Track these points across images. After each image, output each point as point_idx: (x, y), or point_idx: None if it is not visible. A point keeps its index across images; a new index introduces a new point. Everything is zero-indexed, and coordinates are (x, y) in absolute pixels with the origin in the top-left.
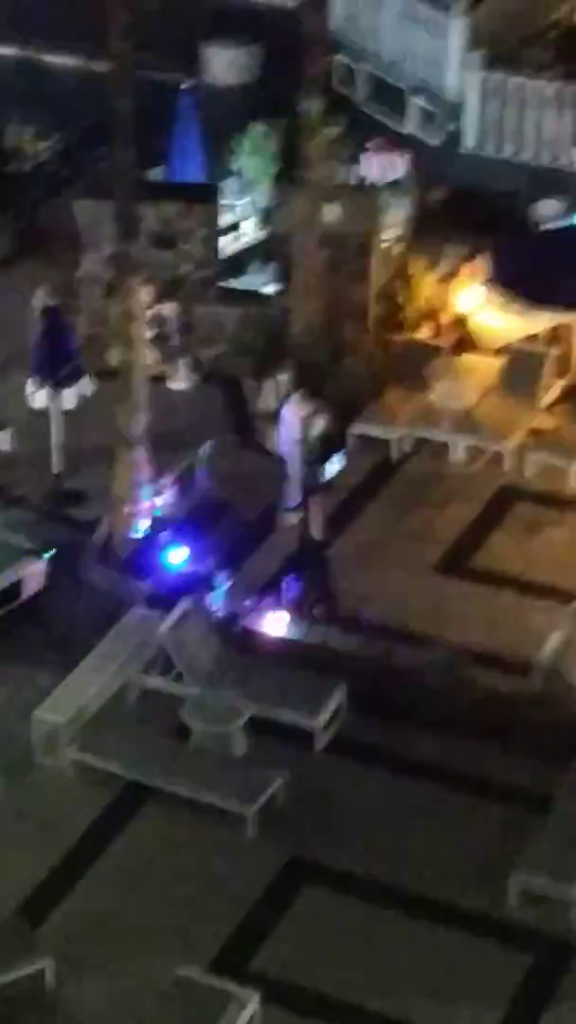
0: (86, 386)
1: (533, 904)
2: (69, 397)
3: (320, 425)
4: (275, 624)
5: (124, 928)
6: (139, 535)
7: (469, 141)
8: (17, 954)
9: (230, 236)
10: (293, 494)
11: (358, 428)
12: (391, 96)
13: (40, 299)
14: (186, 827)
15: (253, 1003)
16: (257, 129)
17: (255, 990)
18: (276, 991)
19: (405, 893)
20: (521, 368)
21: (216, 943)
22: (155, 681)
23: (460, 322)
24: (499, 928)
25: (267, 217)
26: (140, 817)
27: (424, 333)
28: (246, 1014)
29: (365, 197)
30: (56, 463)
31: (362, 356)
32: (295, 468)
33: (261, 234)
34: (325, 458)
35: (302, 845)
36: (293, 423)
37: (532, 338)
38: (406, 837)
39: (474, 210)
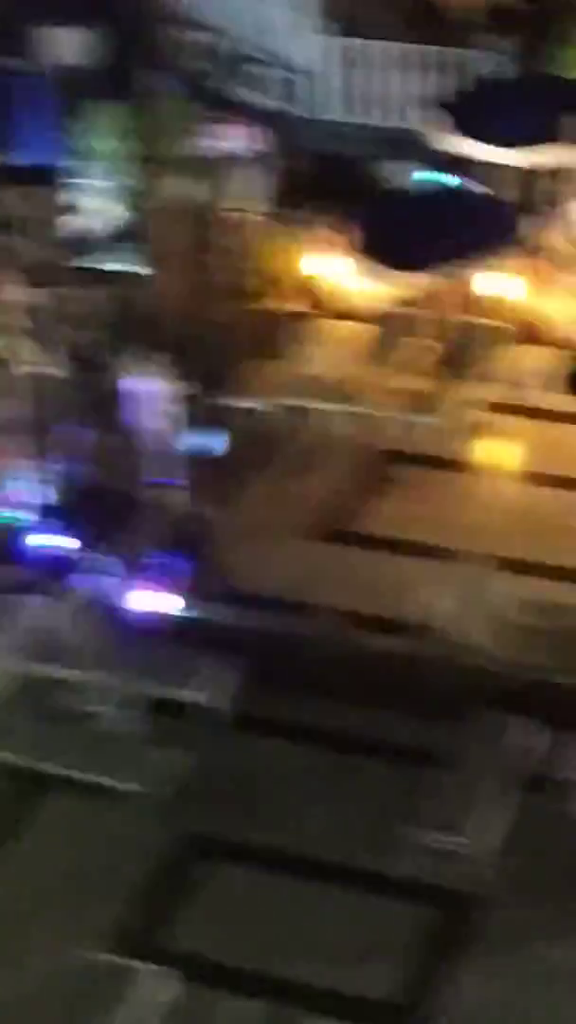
0: None
1: (435, 860)
2: None
3: (184, 398)
4: (161, 602)
5: (28, 913)
6: (12, 522)
7: (323, 108)
8: None
9: (86, 217)
10: (164, 469)
11: (228, 399)
12: (242, 68)
13: None
14: (86, 812)
15: (164, 980)
16: (107, 108)
17: (163, 967)
18: (184, 966)
19: (305, 859)
20: (390, 331)
21: (120, 924)
22: (43, 667)
23: (325, 289)
24: (399, 886)
25: (123, 196)
26: (42, 804)
27: (289, 302)
28: (157, 991)
29: (223, 170)
30: None
31: (228, 328)
32: (165, 443)
33: (117, 213)
34: (196, 431)
35: (204, 821)
36: (158, 398)
37: (398, 301)
38: (304, 804)
39: (332, 177)
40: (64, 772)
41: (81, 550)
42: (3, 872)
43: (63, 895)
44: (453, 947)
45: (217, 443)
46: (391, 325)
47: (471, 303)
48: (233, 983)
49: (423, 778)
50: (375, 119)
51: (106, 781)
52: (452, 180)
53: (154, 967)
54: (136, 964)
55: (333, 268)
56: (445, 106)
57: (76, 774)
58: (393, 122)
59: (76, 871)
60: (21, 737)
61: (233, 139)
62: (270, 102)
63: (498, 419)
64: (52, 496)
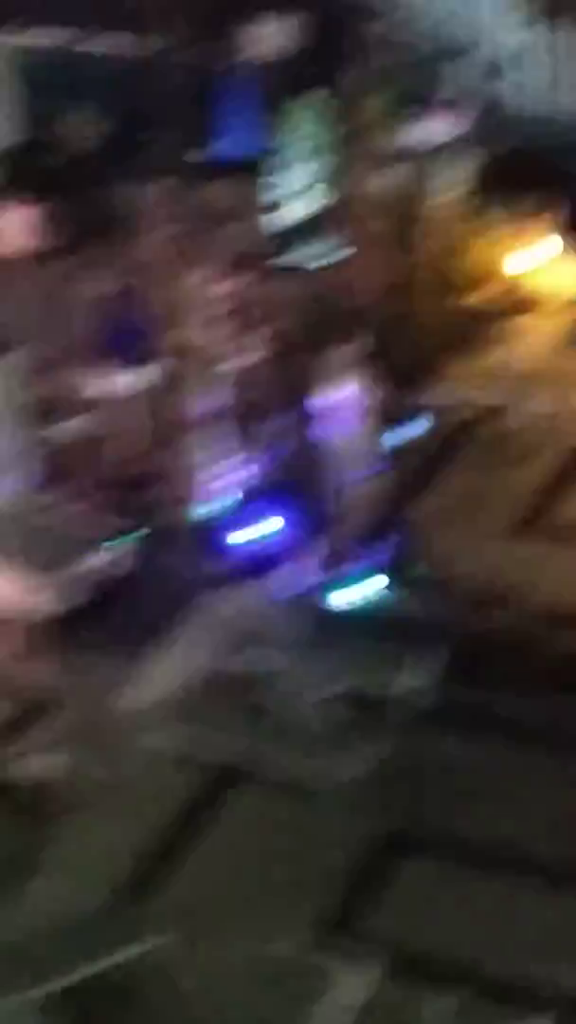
0: (158, 367)
1: None
2: (142, 379)
3: (383, 392)
4: (361, 593)
5: (225, 909)
6: (216, 514)
7: (529, 96)
8: (128, 934)
9: (287, 209)
10: (365, 461)
11: (427, 394)
12: (445, 56)
13: (106, 284)
14: (283, 804)
15: (365, 974)
16: (308, 100)
17: (365, 960)
18: (387, 961)
19: (511, 857)
20: None
21: (322, 916)
22: (244, 659)
23: (523, 281)
24: None
25: (325, 187)
26: (238, 795)
27: (488, 295)
28: (359, 984)
29: (423, 160)
30: (135, 444)
31: (427, 321)
32: (365, 435)
33: (320, 204)
34: (397, 425)
35: (402, 815)
36: (357, 391)
37: None
38: (508, 801)
39: (535, 168)
40: (260, 764)
41: (282, 542)
42: (198, 868)
43: (258, 891)
44: None
45: (418, 433)
46: None
47: None
48: (440, 978)
49: None
50: None
51: (302, 773)
52: None
53: (353, 964)
54: (334, 961)
55: (534, 258)
56: None
57: (272, 766)
58: None
59: (271, 867)
60: (218, 728)
61: (437, 129)
62: (475, 91)
63: None
64: (255, 488)
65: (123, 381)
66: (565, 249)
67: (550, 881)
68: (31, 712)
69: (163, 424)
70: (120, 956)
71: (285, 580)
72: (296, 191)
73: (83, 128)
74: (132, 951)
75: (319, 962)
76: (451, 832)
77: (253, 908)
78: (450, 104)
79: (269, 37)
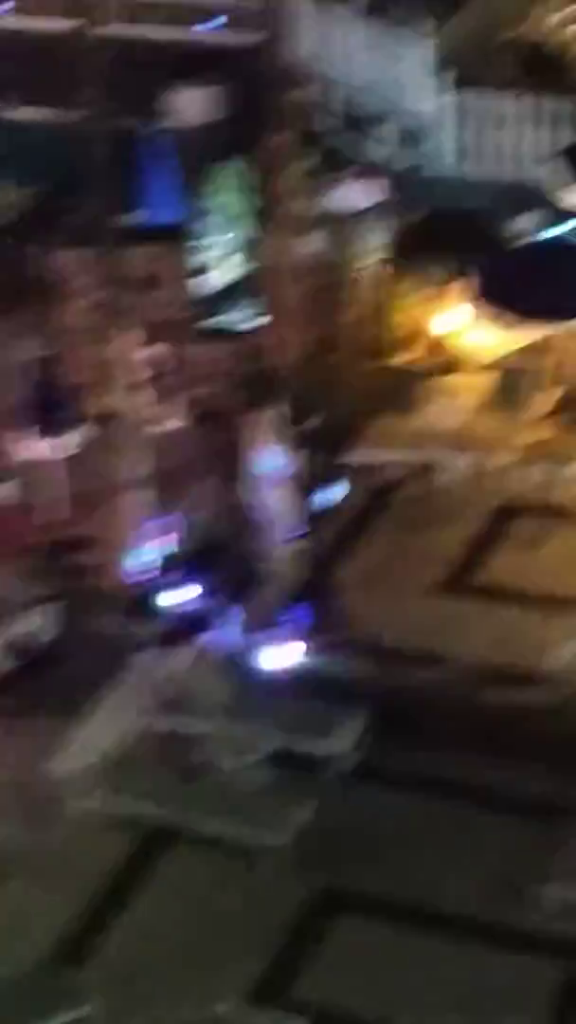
0: (83, 432)
1: (567, 916)
2: (67, 444)
3: (307, 454)
4: (287, 655)
5: (159, 970)
6: (145, 577)
7: (443, 162)
8: (56, 1001)
9: (209, 274)
10: (289, 523)
11: (351, 455)
12: (363, 124)
13: (30, 350)
14: (215, 864)
15: None
16: (230, 166)
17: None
18: (320, 1021)
19: (438, 913)
20: (514, 381)
21: (254, 976)
22: (173, 721)
23: (446, 342)
24: (534, 941)
25: (246, 252)
26: (168, 857)
27: (411, 356)
28: None
29: (343, 226)
30: (60, 510)
31: (350, 384)
32: (289, 498)
33: (241, 270)
34: (321, 487)
35: (333, 874)
36: (280, 454)
37: (521, 352)
38: (435, 858)
39: (454, 231)
40: (189, 825)
41: (208, 604)
42: (128, 928)
43: (189, 954)
44: None
45: (342, 495)
46: (512, 376)
47: None
48: None
49: (552, 831)
50: (496, 173)
51: (231, 834)
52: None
53: (282, 1019)
54: (265, 1018)
55: (454, 320)
56: (566, 157)
57: (201, 827)
58: (514, 175)
59: (202, 925)
60: (147, 791)
61: (356, 195)
62: (391, 157)
63: None
64: (180, 552)
65: (48, 446)
66: (480, 312)
67: (475, 937)
68: None
69: (88, 489)
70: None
71: (211, 643)
72: (219, 257)
73: (6, 195)
74: (61, 1020)
75: (258, 1020)
76: (378, 890)
77: (185, 972)
78: (368, 171)
79: (191, 104)
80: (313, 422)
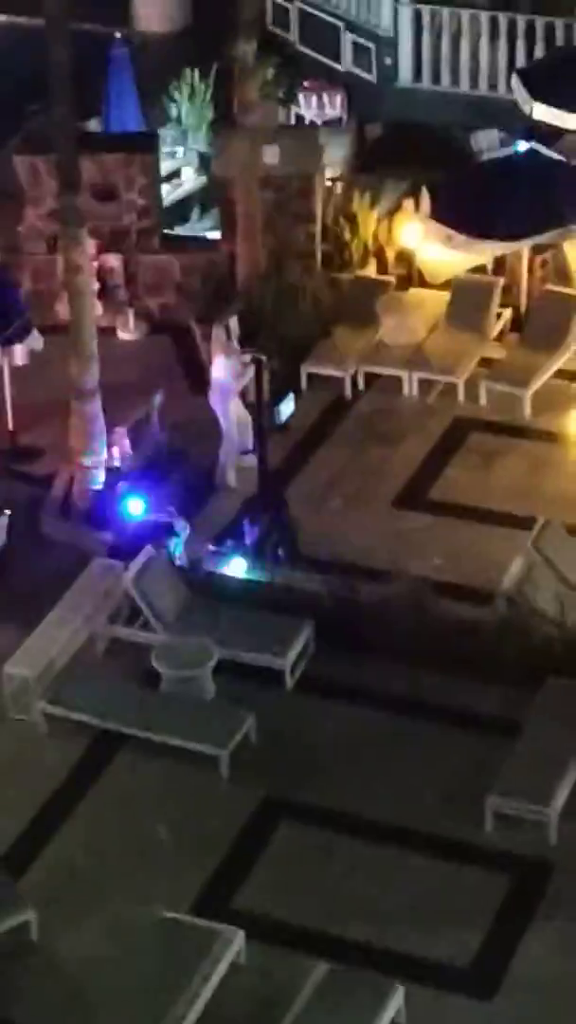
0: (35, 341)
1: (509, 827)
2: (19, 353)
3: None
4: (238, 567)
5: (104, 875)
6: (96, 487)
7: (404, 75)
8: (1, 907)
9: (171, 183)
10: (245, 436)
11: (309, 367)
12: (325, 35)
13: None
14: (160, 773)
15: (238, 939)
16: (192, 75)
17: (239, 927)
18: (259, 927)
19: (381, 824)
20: (468, 299)
21: (196, 884)
22: (122, 630)
23: (405, 257)
24: (476, 853)
25: (207, 163)
26: (114, 765)
27: (370, 270)
28: (231, 951)
29: (303, 137)
30: (9, 420)
31: (310, 295)
32: (245, 411)
33: (201, 180)
34: (277, 400)
35: (276, 784)
36: (238, 366)
37: (478, 269)
38: (379, 770)
39: (413, 144)
40: (135, 732)
41: (159, 515)
42: (73, 831)
43: (132, 857)
44: (524, 914)
45: (295, 410)
46: (467, 294)
47: (555, 271)
48: (298, 943)
49: (494, 745)
50: (458, 87)
51: (177, 743)
52: (534, 148)
53: (219, 926)
54: (200, 922)
55: (411, 236)
56: (530, 74)
57: (146, 734)
58: (477, 90)
59: (145, 833)
60: (95, 700)
61: (315, 106)
62: (353, 69)
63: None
64: (130, 462)
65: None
66: (433, 230)
67: (421, 848)
68: None
69: (39, 400)
70: None
71: (161, 554)
72: (185, 165)
73: None
74: (8, 922)
75: (194, 927)
76: (321, 800)
77: (128, 879)
78: (327, 83)
79: (154, 13)
80: (269, 334)
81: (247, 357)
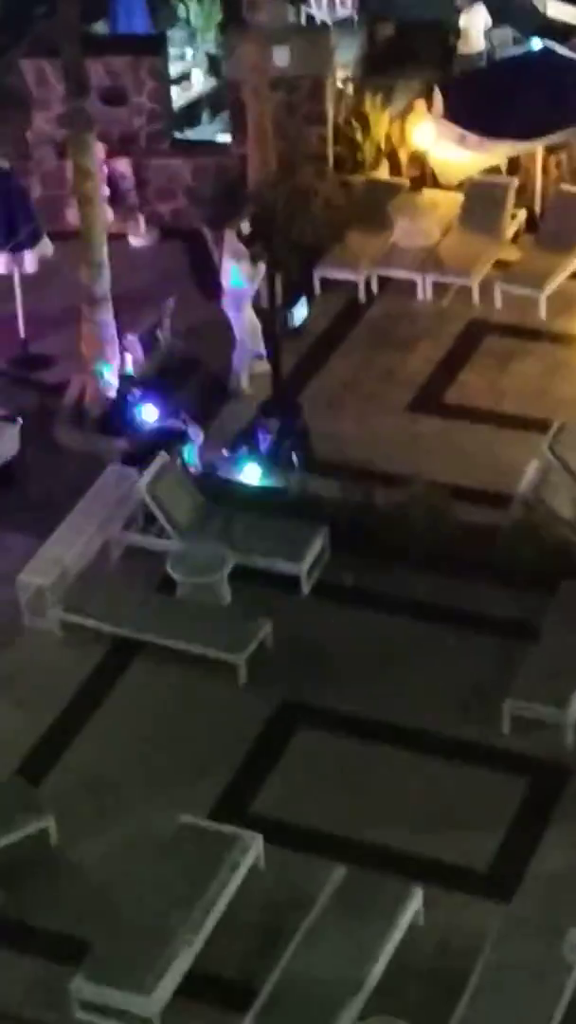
0: (45, 248)
1: (526, 730)
2: (29, 260)
3: (277, 270)
4: (252, 473)
5: (122, 782)
6: (110, 394)
7: None
8: (20, 814)
9: (180, 86)
10: (259, 340)
11: (322, 271)
12: None
13: None
14: (177, 679)
15: (256, 844)
16: None
17: (257, 832)
18: (278, 832)
19: (399, 728)
20: (482, 201)
21: (215, 790)
22: (137, 537)
23: (418, 159)
24: (494, 755)
25: (216, 65)
26: (130, 672)
27: (383, 172)
28: (250, 856)
29: (315, 38)
30: (21, 328)
31: (322, 198)
32: (256, 317)
33: (211, 82)
34: (290, 304)
35: (293, 689)
36: (251, 269)
37: (492, 170)
38: (395, 675)
39: (424, 44)
40: (151, 639)
41: (173, 422)
42: (91, 739)
43: (150, 763)
44: (548, 820)
45: (308, 314)
46: (480, 195)
47: (570, 171)
48: (318, 848)
49: (511, 648)
50: None
51: (193, 650)
52: (549, 46)
53: (238, 830)
54: (219, 827)
55: (423, 138)
56: None
57: (163, 643)
58: None
59: (163, 740)
60: (111, 607)
61: (325, 5)
62: None
63: None
64: (144, 369)
65: (6, 262)
66: (445, 131)
67: (437, 752)
68: None
69: (50, 307)
70: (16, 835)
71: (175, 460)
72: (194, 67)
73: None
74: (28, 829)
75: (212, 832)
76: (338, 705)
77: (147, 787)
78: None
79: None
80: (281, 238)
81: (265, 261)
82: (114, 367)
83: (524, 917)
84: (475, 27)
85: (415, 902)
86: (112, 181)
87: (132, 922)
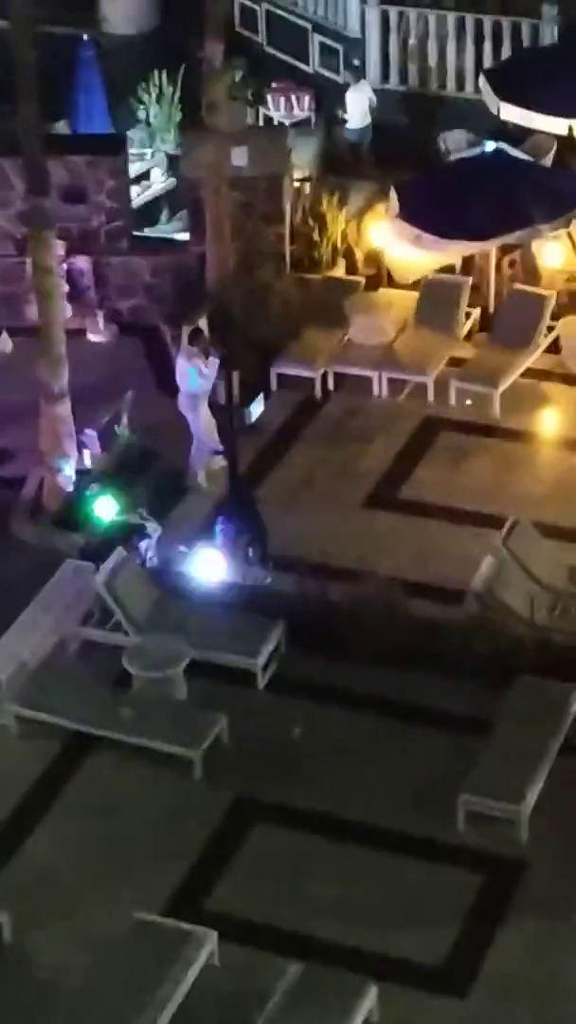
0: (4, 344)
1: (481, 825)
2: None
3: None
4: (209, 568)
5: (76, 878)
6: (68, 489)
7: (372, 76)
8: None
9: (139, 185)
10: (215, 437)
11: (279, 367)
12: (293, 36)
13: None
14: (133, 774)
15: (211, 940)
16: (160, 77)
17: (212, 929)
18: (233, 929)
19: (353, 824)
20: (437, 299)
21: (170, 886)
22: (94, 632)
23: (374, 257)
24: (448, 851)
25: (175, 164)
26: (86, 767)
27: (339, 270)
28: (204, 952)
29: (272, 138)
30: None
31: (279, 296)
32: (213, 413)
33: (170, 182)
34: (246, 401)
35: (249, 784)
36: (207, 366)
37: (447, 269)
38: (350, 770)
39: (382, 145)
40: (108, 734)
41: (130, 517)
42: (46, 833)
43: (103, 855)
44: (496, 912)
45: (264, 411)
46: (435, 294)
47: (525, 271)
48: (273, 944)
49: (465, 743)
50: (426, 87)
51: (148, 743)
52: (502, 148)
53: (192, 927)
54: (173, 924)
55: (380, 237)
56: (497, 74)
57: (119, 736)
58: (445, 91)
59: (116, 831)
60: (67, 701)
61: (283, 107)
62: (320, 70)
63: (545, 387)
64: (101, 464)
65: None
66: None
67: (392, 847)
68: None
69: (8, 402)
70: None
71: (132, 555)
72: (153, 166)
73: None
74: None
75: (166, 928)
76: (294, 800)
77: (102, 881)
78: (295, 84)
79: (122, 14)
80: (238, 335)
81: (213, 359)
82: (72, 462)
83: (478, 1013)
84: (359, 104)
85: (370, 998)
86: (71, 278)
87: (83, 1021)
